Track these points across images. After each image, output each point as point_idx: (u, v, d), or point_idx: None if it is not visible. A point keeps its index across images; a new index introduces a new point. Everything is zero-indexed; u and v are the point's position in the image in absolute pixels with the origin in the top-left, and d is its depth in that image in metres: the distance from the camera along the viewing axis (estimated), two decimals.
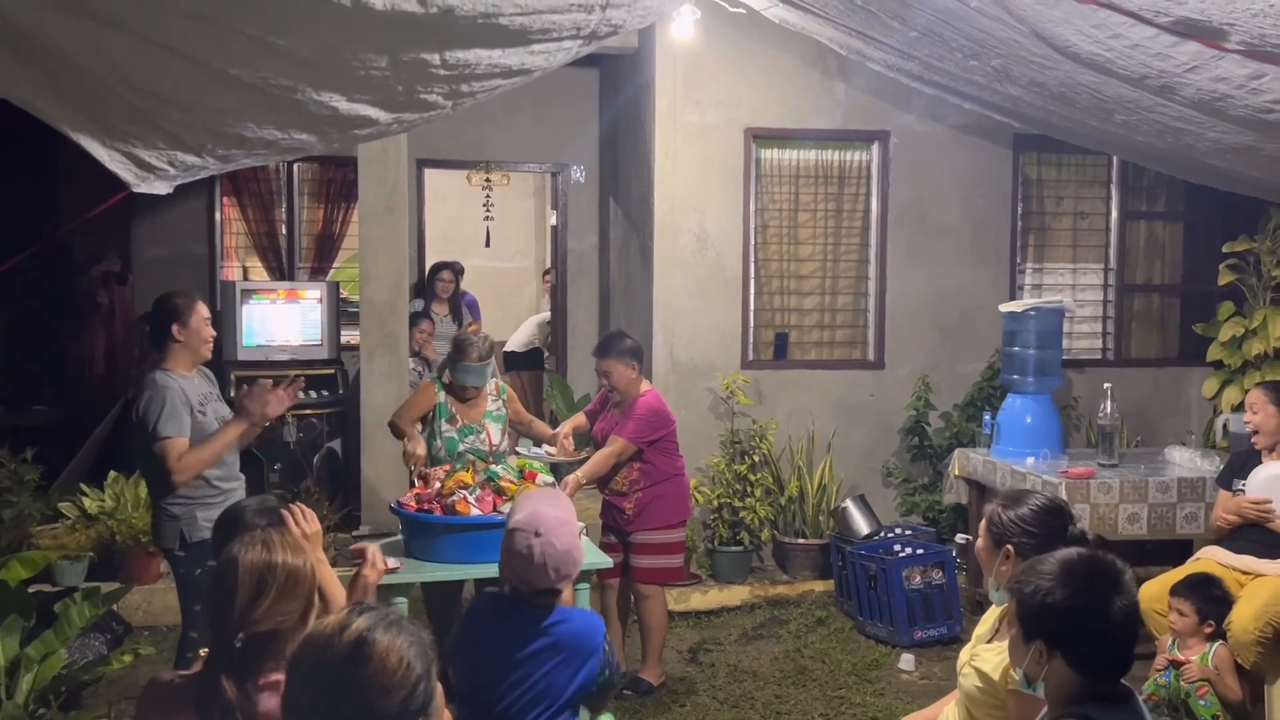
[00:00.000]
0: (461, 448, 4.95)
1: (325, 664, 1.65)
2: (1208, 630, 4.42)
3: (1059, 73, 4.84)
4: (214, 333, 4.22)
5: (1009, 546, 2.79)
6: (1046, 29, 4.21)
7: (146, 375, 4.06)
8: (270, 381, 4.14)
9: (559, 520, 2.82)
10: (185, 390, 4.03)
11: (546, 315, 10.06)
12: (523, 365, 9.98)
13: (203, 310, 4.15)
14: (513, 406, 5.22)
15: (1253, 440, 4.91)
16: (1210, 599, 4.43)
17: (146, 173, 3.96)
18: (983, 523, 2.90)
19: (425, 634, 1.73)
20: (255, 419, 4.04)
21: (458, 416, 5.01)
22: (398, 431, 5.03)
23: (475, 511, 4.27)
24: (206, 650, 2.20)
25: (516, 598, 2.85)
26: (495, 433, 5.05)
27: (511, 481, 4.45)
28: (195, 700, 2.10)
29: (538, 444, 5.33)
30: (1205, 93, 4.31)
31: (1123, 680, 2.19)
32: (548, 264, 10.56)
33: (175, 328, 4.07)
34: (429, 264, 8.54)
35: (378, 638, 1.65)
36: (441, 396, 5.03)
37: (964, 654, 2.95)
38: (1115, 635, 2.14)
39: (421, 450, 4.85)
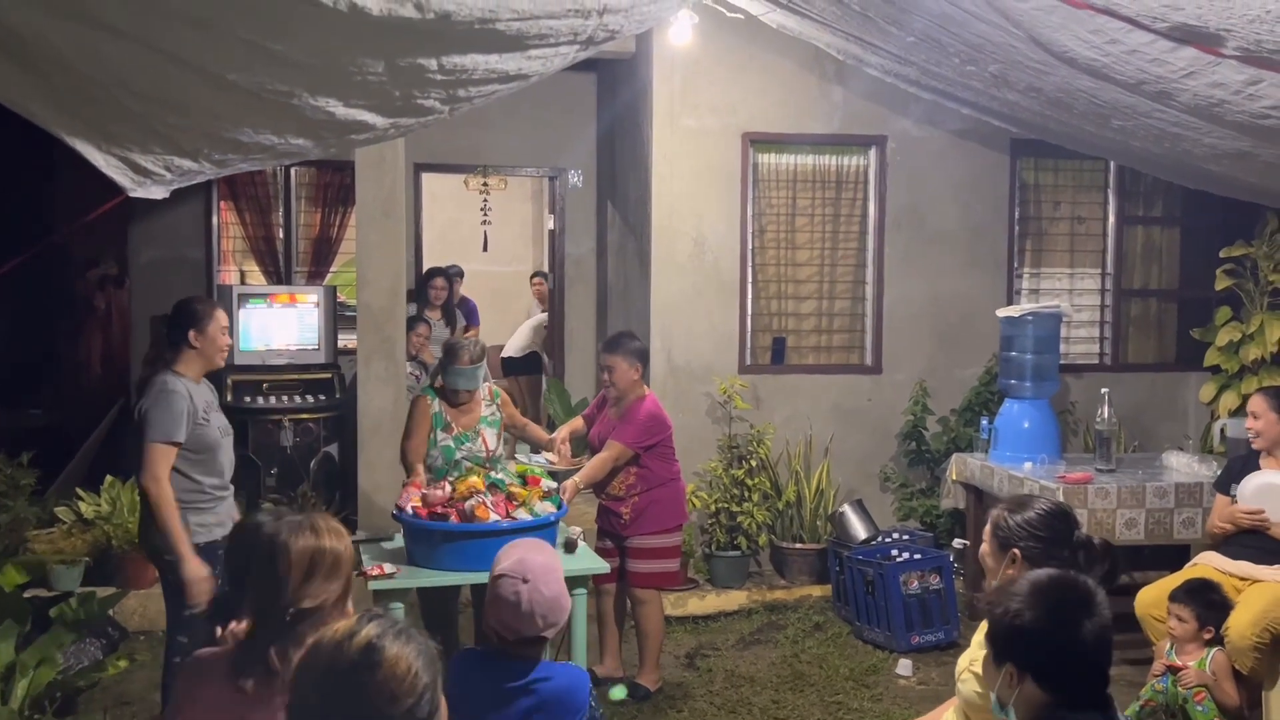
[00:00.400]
0: (459, 455, 4.94)
1: (334, 669, 1.67)
2: (1206, 636, 4.42)
3: (1056, 78, 4.84)
4: (230, 341, 4.22)
5: (1015, 551, 2.79)
6: (1043, 34, 4.21)
7: (157, 376, 4.05)
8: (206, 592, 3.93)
9: (546, 567, 2.77)
10: (192, 396, 4.04)
11: (542, 318, 10.05)
12: (521, 370, 9.97)
13: (221, 318, 4.14)
14: (507, 410, 5.21)
15: (1253, 443, 4.92)
16: (1210, 605, 4.43)
17: (143, 177, 3.95)
18: (988, 527, 2.90)
19: (433, 644, 1.75)
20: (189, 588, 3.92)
21: (453, 424, 5.01)
22: (406, 465, 5.03)
23: (494, 517, 4.28)
24: (246, 624, 2.37)
25: (498, 650, 2.78)
26: (491, 438, 5.05)
27: (519, 488, 4.45)
28: (233, 666, 2.25)
29: (536, 451, 5.33)
30: (1202, 98, 4.31)
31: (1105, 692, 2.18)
32: (545, 268, 10.56)
33: (192, 334, 4.06)
34: (426, 268, 8.52)
35: (387, 645, 1.67)
36: (436, 406, 5.02)
37: (963, 660, 2.94)
38: (1086, 657, 2.13)
39: (421, 481, 4.84)
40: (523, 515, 4.32)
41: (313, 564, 2.29)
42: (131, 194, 3.99)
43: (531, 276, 10.92)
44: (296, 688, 1.72)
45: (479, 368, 5.00)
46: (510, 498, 4.39)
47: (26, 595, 4.73)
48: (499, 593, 2.72)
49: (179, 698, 2.37)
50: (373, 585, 4.22)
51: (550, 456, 5.17)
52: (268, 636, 2.23)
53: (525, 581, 2.69)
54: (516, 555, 2.81)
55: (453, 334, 7.87)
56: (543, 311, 10.14)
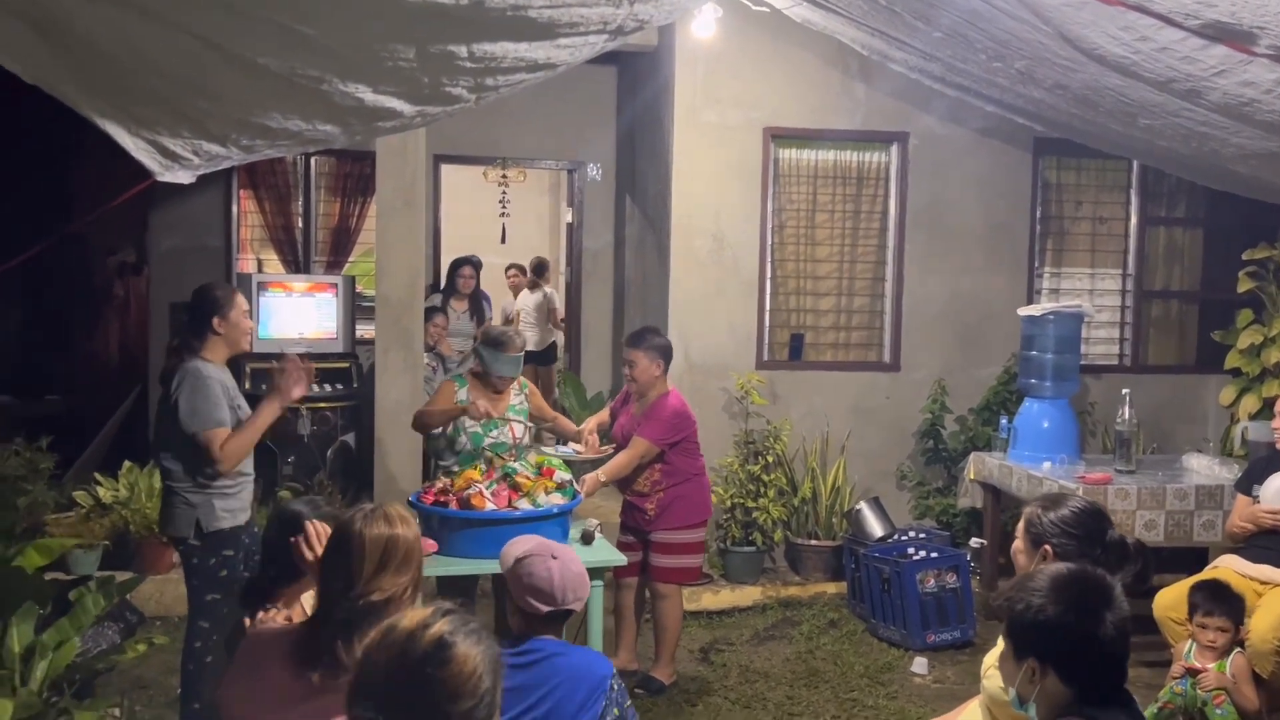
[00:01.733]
0: (486, 442, 4.95)
1: (405, 658, 1.68)
2: (1244, 636, 4.37)
3: (1084, 75, 4.82)
4: (252, 324, 4.26)
5: (1047, 547, 2.78)
6: (1073, 31, 4.19)
7: (186, 364, 4.05)
8: (298, 357, 4.19)
9: (565, 548, 2.93)
10: (224, 382, 4.07)
11: (532, 298, 10.16)
12: (537, 361, 10.01)
13: (242, 303, 4.18)
14: (535, 402, 5.22)
15: (1278, 443, 4.88)
16: (1235, 604, 4.39)
17: (171, 161, 3.95)
18: (1021, 524, 2.89)
19: (498, 648, 1.75)
20: (288, 398, 4.09)
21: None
22: (422, 425, 5.02)
23: (490, 506, 4.28)
24: (313, 608, 2.38)
25: (514, 638, 2.84)
26: (518, 428, 5.05)
27: (528, 478, 4.45)
28: (297, 652, 2.26)
29: (562, 442, 5.33)
30: (1232, 97, 4.29)
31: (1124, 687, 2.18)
32: (563, 262, 10.59)
33: (216, 320, 4.09)
34: (444, 259, 8.53)
35: (458, 643, 1.68)
36: (462, 394, 5.02)
37: (989, 657, 2.93)
38: (1108, 649, 2.14)
39: (484, 404, 4.86)
40: (525, 505, 4.33)
41: (386, 554, 2.29)
42: (159, 178, 3.99)
43: (506, 269, 10.94)
44: (362, 669, 1.72)
45: (521, 357, 5.07)
46: (515, 488, 4.39)
47: (46, 578, 4.74)
48: (531, 569, 2.83)
49: (240, 667, 2.38)
50: None
51: (577, 447, 5.17)
52: (334, 628, 2.21)
53: (555, 558, 2.83)
54: (532, 540, 2.95)
55: (478, 324, 7.88)
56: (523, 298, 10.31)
